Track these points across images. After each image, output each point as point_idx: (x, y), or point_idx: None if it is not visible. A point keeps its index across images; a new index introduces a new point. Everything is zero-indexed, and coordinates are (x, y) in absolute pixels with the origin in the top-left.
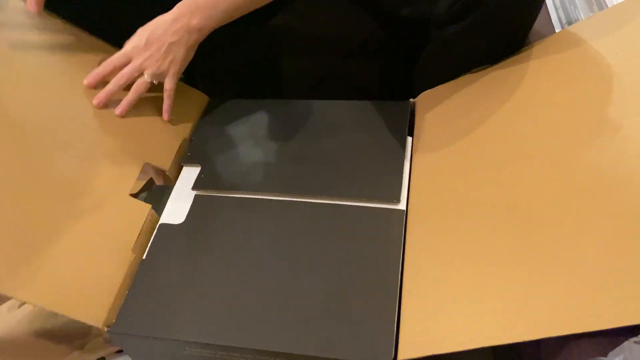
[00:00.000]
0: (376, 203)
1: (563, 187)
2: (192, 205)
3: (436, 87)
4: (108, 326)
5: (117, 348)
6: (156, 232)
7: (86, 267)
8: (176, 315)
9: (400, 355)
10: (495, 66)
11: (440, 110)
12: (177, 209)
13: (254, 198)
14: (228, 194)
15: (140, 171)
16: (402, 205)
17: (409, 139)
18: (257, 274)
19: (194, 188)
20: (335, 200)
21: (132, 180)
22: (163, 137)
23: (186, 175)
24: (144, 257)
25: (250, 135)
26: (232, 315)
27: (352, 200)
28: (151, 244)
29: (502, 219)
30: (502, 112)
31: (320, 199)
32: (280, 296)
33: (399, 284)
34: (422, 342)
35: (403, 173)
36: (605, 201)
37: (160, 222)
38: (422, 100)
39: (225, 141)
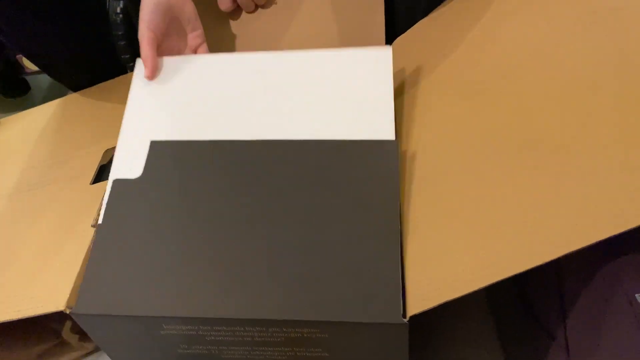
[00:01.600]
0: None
1: (564, 105)
2: (149, 155)
3: (409, 30)
4: (70, 307)
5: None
6: (110, 191)
7: (44, 261)
8: (147, 288)
9: (410, 310)
10: None
11: (419, 51)
12: (130, 158)
13: (225, 140)
14: (193, 136)
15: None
16: (392, 136)
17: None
18: (236, 232)
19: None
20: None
21: (92, 169)
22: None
23: (134, 113)
24: (99, 222)
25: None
26: (212, 283)
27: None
28: (106, 205)
29: (501, 142)
30: (489, 34)
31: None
32: (266, 256)
33: (399, 230)
34: (431, 291)
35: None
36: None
37: (113, 178)
38: (397, 46)
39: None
